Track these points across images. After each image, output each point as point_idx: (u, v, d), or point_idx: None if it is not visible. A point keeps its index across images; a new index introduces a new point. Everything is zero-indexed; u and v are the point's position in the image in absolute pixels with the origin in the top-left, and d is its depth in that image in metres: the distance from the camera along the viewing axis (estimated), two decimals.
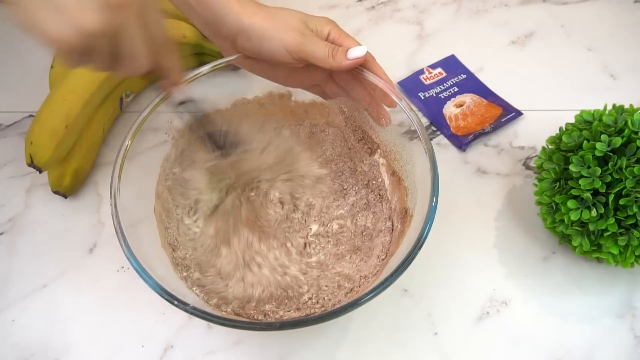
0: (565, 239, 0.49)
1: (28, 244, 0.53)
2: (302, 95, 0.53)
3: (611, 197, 0.42)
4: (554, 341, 0.46)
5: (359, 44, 0.46)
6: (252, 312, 0.44)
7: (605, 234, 0.43)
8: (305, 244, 0.49)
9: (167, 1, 0.50)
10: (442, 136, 0.60)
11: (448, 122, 0.60)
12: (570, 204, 0.44)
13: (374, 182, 0.53)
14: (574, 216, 0.43)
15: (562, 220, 0.45)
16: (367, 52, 0.46)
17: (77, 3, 0.30)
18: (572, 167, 0.43)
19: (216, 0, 0.45)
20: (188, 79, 0.47)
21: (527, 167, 0.57)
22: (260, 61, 0.47)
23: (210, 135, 0.45)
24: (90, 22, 0.30)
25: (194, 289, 0.44)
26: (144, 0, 0.33)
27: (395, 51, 0.68)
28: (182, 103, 0.43)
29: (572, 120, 0.48)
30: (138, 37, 0.34)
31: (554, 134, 0.49)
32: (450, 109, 0.61)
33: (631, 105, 0.46)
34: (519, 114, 0.61)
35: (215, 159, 0.47)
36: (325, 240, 0.49)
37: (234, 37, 0.46)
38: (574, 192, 0.43)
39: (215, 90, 0.50)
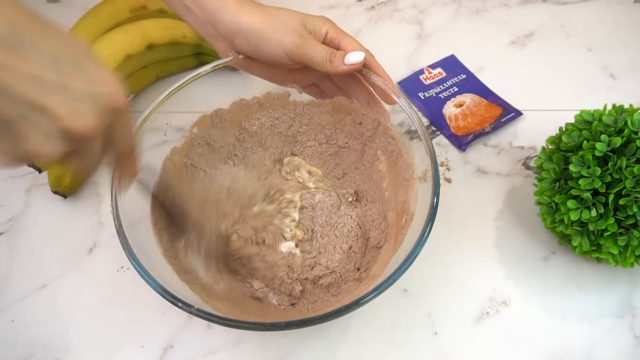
0: (565, 239, 0.49)
1: (28, 244, 0.53)
2: (301, 95, 0.53)
3: (611, 197, 0.42)
4: (554, 341, 0.46)
5: (357, 42, 0.46)
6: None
7: (605, 234, 0.43)
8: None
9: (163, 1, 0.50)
10: (442, 136, 0.60)
11: (448, 122, 0.60)
12: (570, 204, 0.44)
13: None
14: (573, 216, 0.43)
15: (562, 220, 0.45)
16: (366, 51, 0.46)
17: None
18: (572, 167, 0.43)
19: None
20: (187, 80, 0.47)
21: (527, 167, 0.57)
22: (258, 61, 0.47)
23: (169, 212, 0.43)
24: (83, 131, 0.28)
25: None
26: (116, 119, 0.30)
27: (395, 51, 0.68)
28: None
29: (572, 120, 0.48)
30: (101, 151, 0.31)
31: (553, 134, 0.49)
32: (450, 109, 0.61)
33: (631, 105, 0.46)
34: (518, 114, 0.61)
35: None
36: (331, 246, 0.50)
37: (231, 38, 0.46)
38: (573, 192, 0.43)
39: (214, 90, 0.50)
